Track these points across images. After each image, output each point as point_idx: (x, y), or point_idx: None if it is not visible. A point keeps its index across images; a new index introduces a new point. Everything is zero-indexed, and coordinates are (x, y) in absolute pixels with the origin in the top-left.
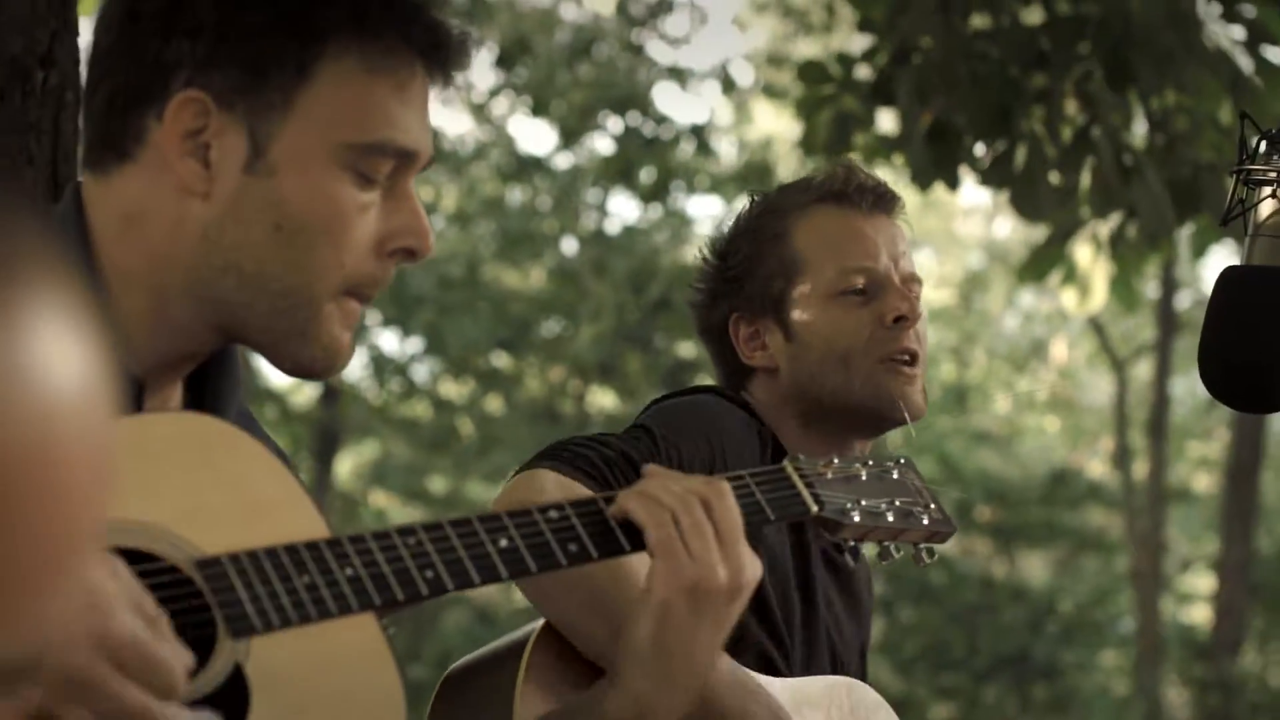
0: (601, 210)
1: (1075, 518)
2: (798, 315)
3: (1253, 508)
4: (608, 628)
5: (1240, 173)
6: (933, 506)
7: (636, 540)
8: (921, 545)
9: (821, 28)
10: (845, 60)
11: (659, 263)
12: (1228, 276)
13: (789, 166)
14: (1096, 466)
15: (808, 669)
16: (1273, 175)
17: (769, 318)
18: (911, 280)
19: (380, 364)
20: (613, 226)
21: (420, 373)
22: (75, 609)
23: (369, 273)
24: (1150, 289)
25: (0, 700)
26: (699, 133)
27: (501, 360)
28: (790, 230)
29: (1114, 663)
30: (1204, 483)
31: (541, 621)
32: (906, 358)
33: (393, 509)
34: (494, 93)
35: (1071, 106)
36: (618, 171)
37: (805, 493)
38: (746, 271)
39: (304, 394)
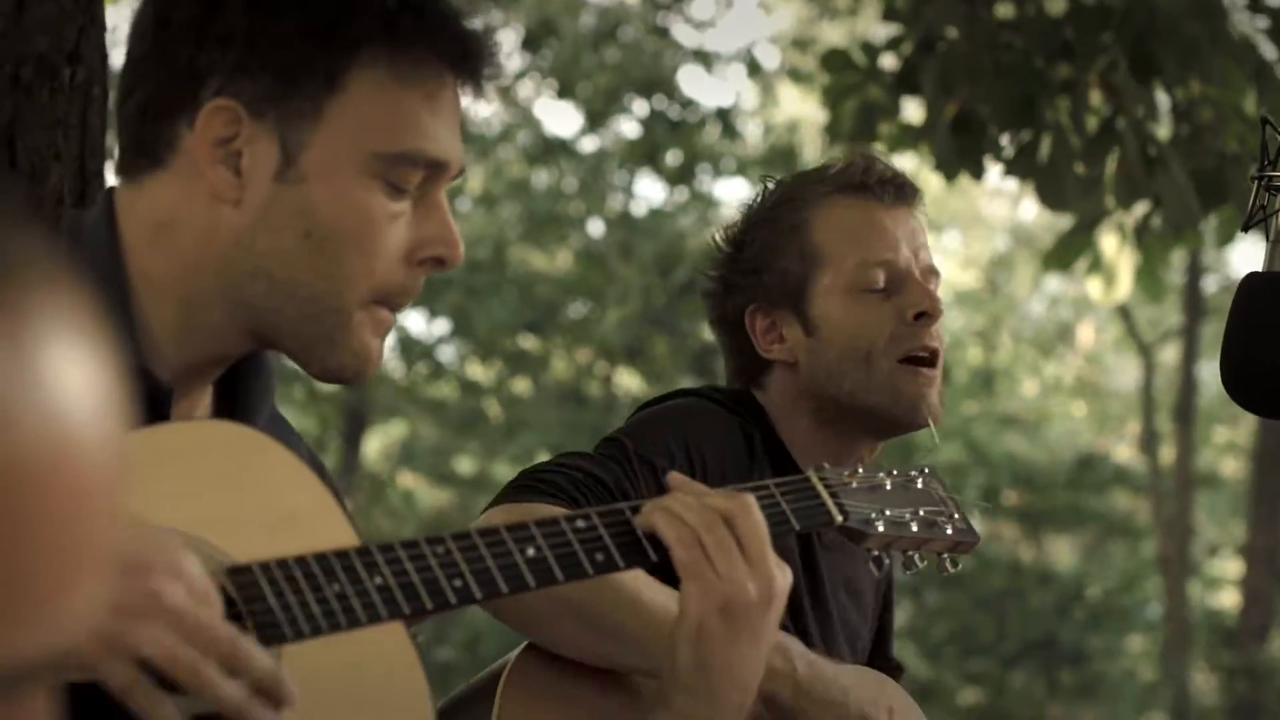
0: (628, 193)
1: (1102, 502)
2: (818, 308)
3: None
4: (603, 635)
5: (1262, 178)
6: (956, 516)
7: (662, 551)
8: (945, 555)
9: (847, 11)
10: (870, 49)
11: (685, 246)
12: (1250, 283)
13: (815, 150)
14: (1124, 451)
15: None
16: None
17: (787, 310)
18: (930, 273)
19: (407, 345)
20: (639, 209)
21: (447, 354)
22: (100, 615)
23: (399, 281)
24: (1177, 274)
25: (18, 697)
26: (724, 116)
27: (528, 342)
28: (810, 221)
29: (1141, 648)
30: (1231, 467)
31: (513, 655)
32: (926, 355)
33: (420, 490)
34: (520, 75)
35: (1096, 97)
36: (644, 154)
37: (830, 502)
38: (764, 262)
39: None
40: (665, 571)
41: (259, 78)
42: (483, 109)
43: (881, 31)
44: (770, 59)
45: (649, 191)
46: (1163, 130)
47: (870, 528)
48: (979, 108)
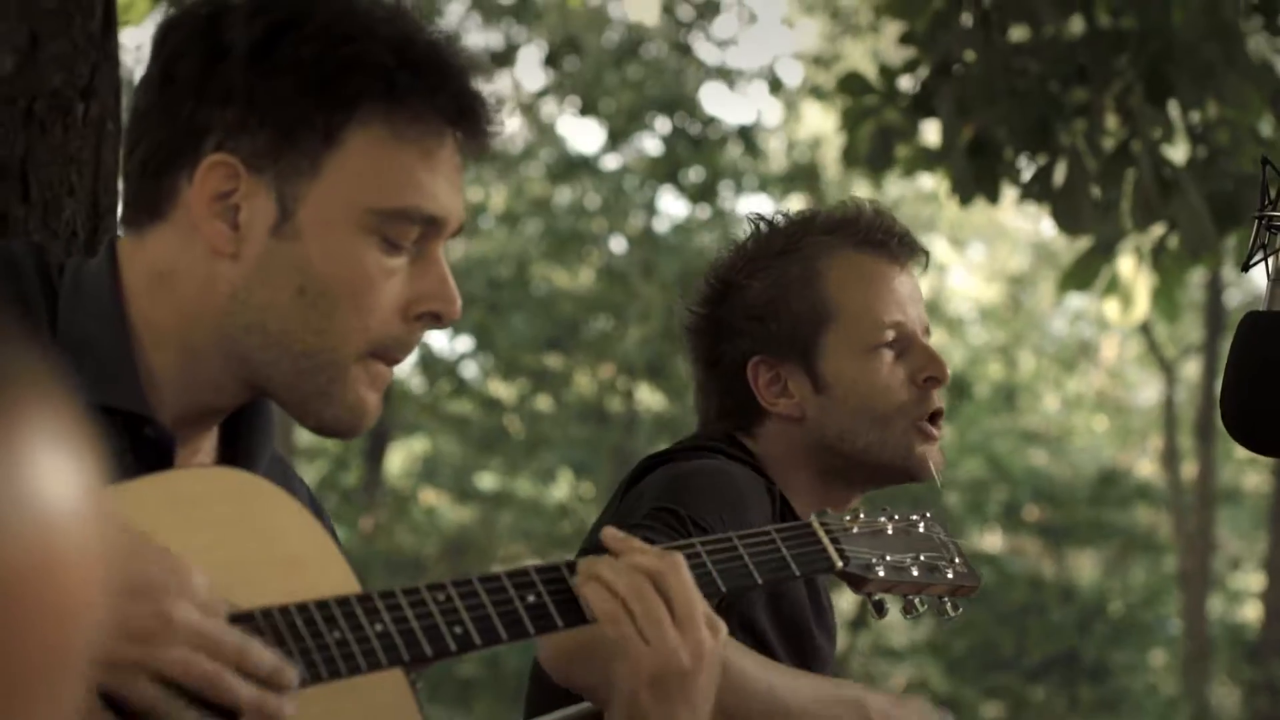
0: (650, 210)
1: (1124, 517)
2: (829, 365)
3: None
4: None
5: (1262, 217)
6: (957, 560)
7: None
8: (945, 598)
9: (868, 28)
10: (887, 72)
11: (707, 263)
12: (1250, 322)
13: (838, 169)
14: (1146, 466)
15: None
16: None
17: (794, 363)
18: (928, 332)
19: (430, 362)
20: (661, 226)
21: (469, 370)
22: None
23: (395, 336)
24: (1198, 290)
25: None
26: (746, 133)
27: (550, 359)
28: (822, 273)
29: (1163, 663)
30: (1253, 482)
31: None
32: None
33: (442, 506)
34: (542, 93)
35: (1112, 120)
36: (666, 172)
37: (831, 548)
38: (770, 311)
39: None
40: None
41: (258, 134)
42: (506, 127)
43: (898, 55)
44: (792, 76)
45: (671, 209)
46: (1178, 153)
47: (870, 573)
48: (995, 131)
